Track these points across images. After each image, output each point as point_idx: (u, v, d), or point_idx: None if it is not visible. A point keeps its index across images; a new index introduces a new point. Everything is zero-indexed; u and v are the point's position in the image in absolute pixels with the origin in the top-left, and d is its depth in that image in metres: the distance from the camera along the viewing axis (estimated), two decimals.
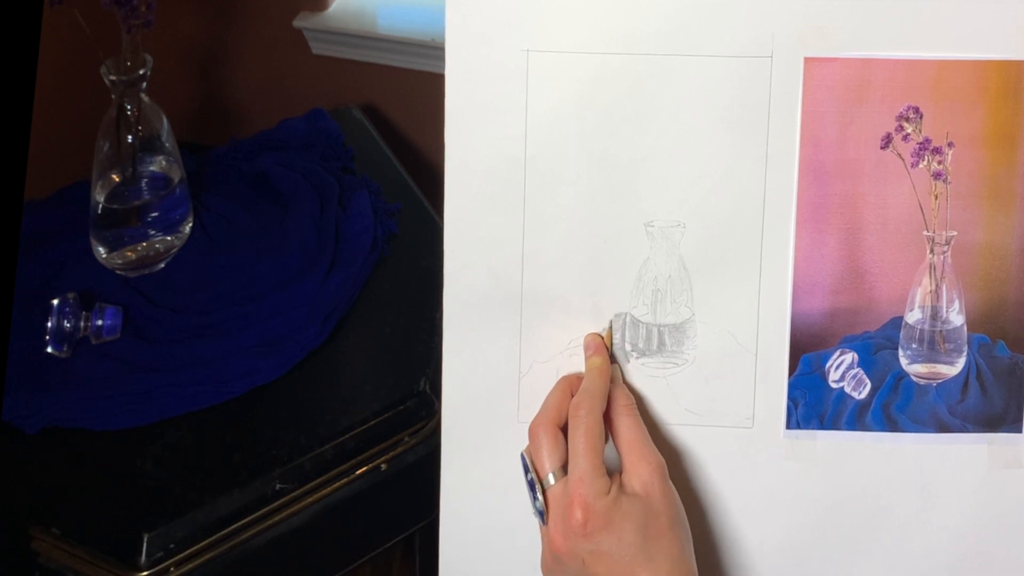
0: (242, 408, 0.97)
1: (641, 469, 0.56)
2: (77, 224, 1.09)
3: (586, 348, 0.61)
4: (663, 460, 0.57)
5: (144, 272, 1.08)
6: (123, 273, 1.07)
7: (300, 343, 1.02)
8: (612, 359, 0.61)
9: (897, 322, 0.60)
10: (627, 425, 0.58)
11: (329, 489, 0.95)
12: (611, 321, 0.61)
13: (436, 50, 1.34)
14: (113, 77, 1.02)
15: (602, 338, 0.60)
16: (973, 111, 0.59)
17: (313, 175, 1.20)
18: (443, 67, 0.59)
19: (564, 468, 0.56)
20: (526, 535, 0.60)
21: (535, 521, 0.57)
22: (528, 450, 0.57)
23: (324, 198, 1.17)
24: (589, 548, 0.54)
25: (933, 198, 0.60)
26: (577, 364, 0.61)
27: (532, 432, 0.57)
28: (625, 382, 0.61)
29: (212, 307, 1.05)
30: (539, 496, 0.56)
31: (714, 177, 0.59)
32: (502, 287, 0.60)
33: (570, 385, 0.59)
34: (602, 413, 0.57)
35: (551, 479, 0.56)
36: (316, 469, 0.94)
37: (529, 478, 0.57)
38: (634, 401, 0.59)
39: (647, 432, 0.58)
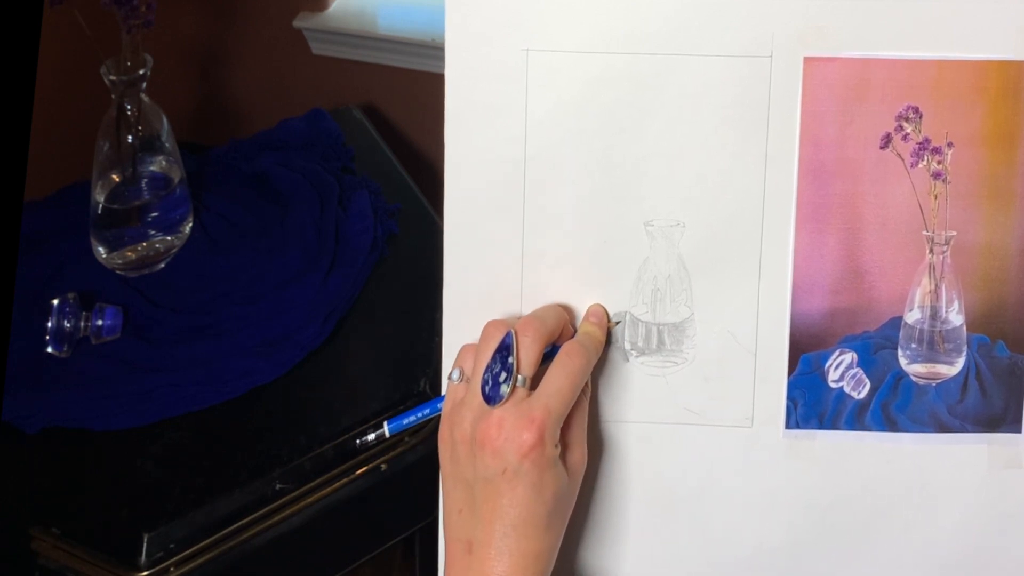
0: (242, 408, 0.97)
1: (576, 454, 0.56)
2: (77, 224, 1.09)
3: (590, 315, 0.60)
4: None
5: (144, 272, 1.08)
6: (123, 273, 1.07)
7: (300, 343, 1.02)
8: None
9: (896, 322, 0.60)
10: (581, 409, 0.57)
11: (329, 489, 0.95)
12: (617, 322, 0.60)
13: (436, 50, 1.34)
14: (113, 77, 1.02)
15: (608, 316, 0.60)
16: (973, 111, 0.59)
17: (313, 175, 1.20)
18: (443, 67, 0.59)
19: (533, 382, 0.55)
20: None
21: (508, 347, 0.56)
22: (516, 335, 0.56)
23: (324, 198, 1.17)
24: (516, 468, 0.53)
25: (933, 198, 0.60)
26: None
27: (524, 328, 0.56)
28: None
29: (212, 307, 1.05)
30: (511, 384, 0.54)
31: (714, 176, 0.59)
32: (502, 287, 0.60)
33: (563, 320, 0.59)
34: (586, 378, 0.57)
35: (520, 380, 0.55)
36: (316, 469, 0.94)
37: (511, 361, 0.55)
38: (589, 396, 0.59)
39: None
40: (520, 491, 0.53)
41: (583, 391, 0.57)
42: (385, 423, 0.60)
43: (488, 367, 0.55)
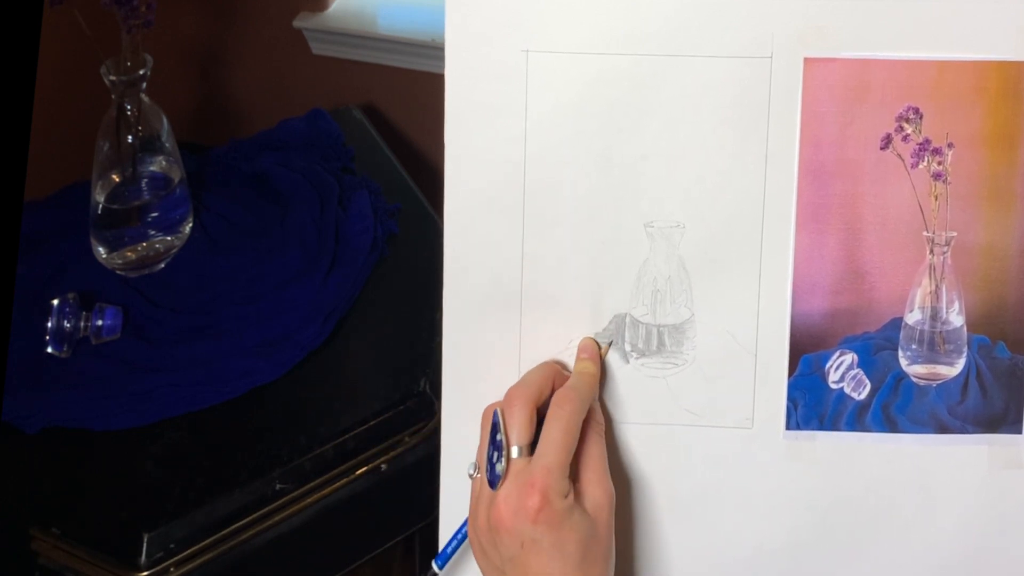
0: (242, 408, 0.97)
1: (596, 492, 0.56)
2: (77, 224, 1.09)
3: (581, 351, 0.60)
4: (614, 490, 0.56)
5: (144, 272, 1.08)
6: (123, 273, 1.07)
7: (300, 343, 1.02)
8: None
9: (897, 323, 0.60)
10: (594, 444, 0.57)
11: (329, 489, 0.95)
12: (609, 343, 0.60)
13: (436, 50, 1.34)
14: (113, 77, 1.02)
15: (599, 347, 0.60)
16: (973, 111, 0.59)
17: (313, 175, 1.20)
18: (443, 67, 0.59)
19: (531, 448, 0.55)
20: None
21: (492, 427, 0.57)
22: (501, 411, 0.56)
23: (324, 198, 1.17)
24: (532, 536, 0.53)
25: (933, 199, 0.60)
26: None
27: (510, 399, 0.56)
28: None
29: (212, 307, 1.05)
30: (503, 461, 0.55)
31: (714, 177, 0.59)
32: (502, 288, 0.60)
33: (553, 371, 0.59)
34: (583, 417, 0.57)
35: (515, 451, 0.55)
36: (316, 469, 0.94)
37: (499, 438, 0.55)
38: (604, 426, 0.59)
39: (607, 460, 0.57)
40: (544, 556, 0.53)
41: (592, 427, 0.57)
42: (433, 563, 0.60)
43: (487, 453, 0.56)
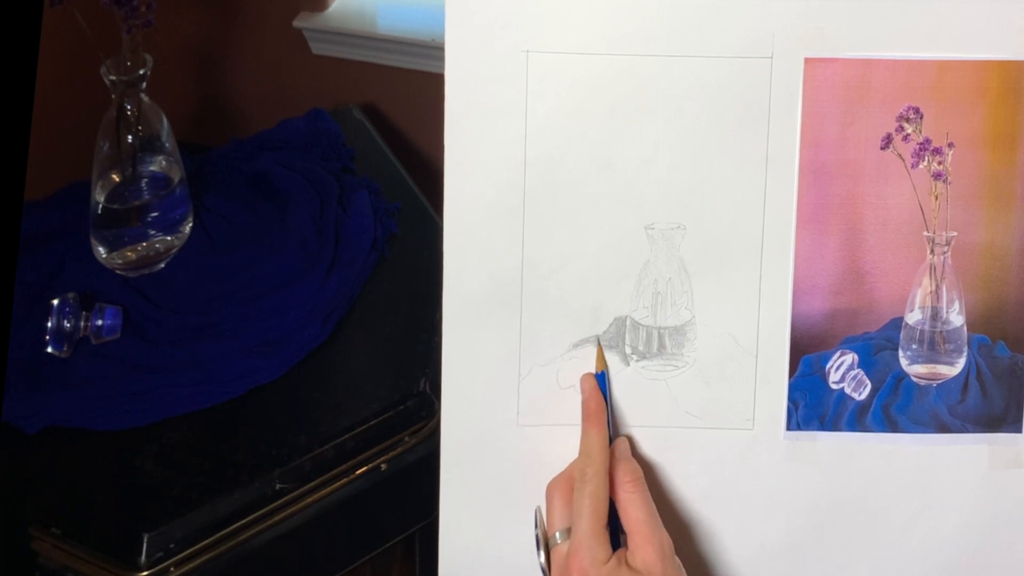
0: (242, 408, 0.97)
1: (645, 552, 0.55)
2: (77, 224, 1.09)
3: (583, 411, 0.60)
4: (668, 540, 0.56)
5: (144, 272, 1.08)
6: (123, 273, 1.07)
7: (300, 343, 1.02)
8: (615, 433, 0.61)
9: (897, 323, 0.60)
10: (633, 503, 0.57)
11: (329, 489, 0.95)
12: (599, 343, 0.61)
13: (436, 50, 1.34)
14: (113, 77, 1.02)
15: (605, 400, 0.60)
16: (973, 111, 0.59)
17: (313, 175, 1.20)
18: (443, 67, 0.59)
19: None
20: (525, 537, 0.60)
21: (534, 524, 0.59)
22: (538, 510, 0.59)
23: (324, 198, 1.17)
24: None
25: (933, 198, 0.60)
26: (576, 367, 0.61)
27: (547, 491, 0.58)
28: (635, 454, 0.61)
29: (212, 307, 1.05)
30: (542, 553, 0.57)
31: (714, 178, 0.59)
32: (502, 290, 0.60)
33: (588, 448, 0.59)
34: (606, 476, 0.57)
35: (558, 538, 0.56)
36: (316, 469, 0.94)
37: (536, 534, 0.58)
38: (641, 474, 0.58)
39: (653, 508, 0.57)
40: None
41: (622, 486, 0.57)
42: None
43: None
